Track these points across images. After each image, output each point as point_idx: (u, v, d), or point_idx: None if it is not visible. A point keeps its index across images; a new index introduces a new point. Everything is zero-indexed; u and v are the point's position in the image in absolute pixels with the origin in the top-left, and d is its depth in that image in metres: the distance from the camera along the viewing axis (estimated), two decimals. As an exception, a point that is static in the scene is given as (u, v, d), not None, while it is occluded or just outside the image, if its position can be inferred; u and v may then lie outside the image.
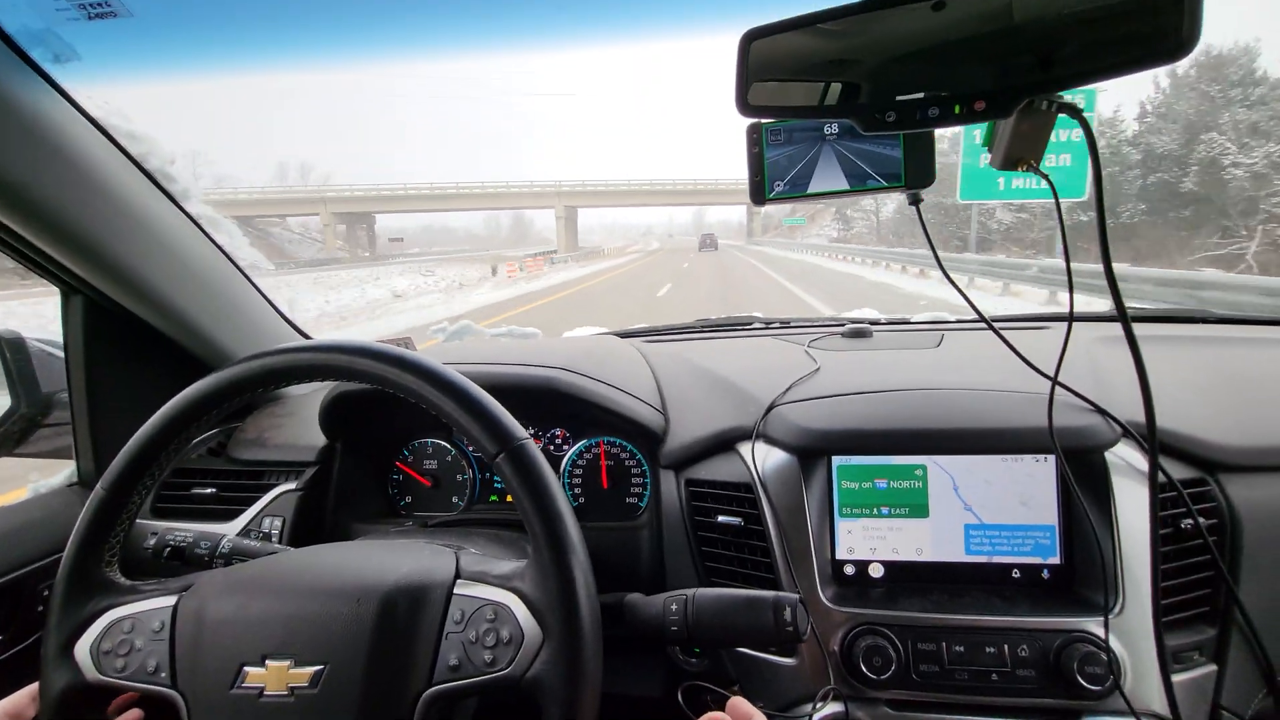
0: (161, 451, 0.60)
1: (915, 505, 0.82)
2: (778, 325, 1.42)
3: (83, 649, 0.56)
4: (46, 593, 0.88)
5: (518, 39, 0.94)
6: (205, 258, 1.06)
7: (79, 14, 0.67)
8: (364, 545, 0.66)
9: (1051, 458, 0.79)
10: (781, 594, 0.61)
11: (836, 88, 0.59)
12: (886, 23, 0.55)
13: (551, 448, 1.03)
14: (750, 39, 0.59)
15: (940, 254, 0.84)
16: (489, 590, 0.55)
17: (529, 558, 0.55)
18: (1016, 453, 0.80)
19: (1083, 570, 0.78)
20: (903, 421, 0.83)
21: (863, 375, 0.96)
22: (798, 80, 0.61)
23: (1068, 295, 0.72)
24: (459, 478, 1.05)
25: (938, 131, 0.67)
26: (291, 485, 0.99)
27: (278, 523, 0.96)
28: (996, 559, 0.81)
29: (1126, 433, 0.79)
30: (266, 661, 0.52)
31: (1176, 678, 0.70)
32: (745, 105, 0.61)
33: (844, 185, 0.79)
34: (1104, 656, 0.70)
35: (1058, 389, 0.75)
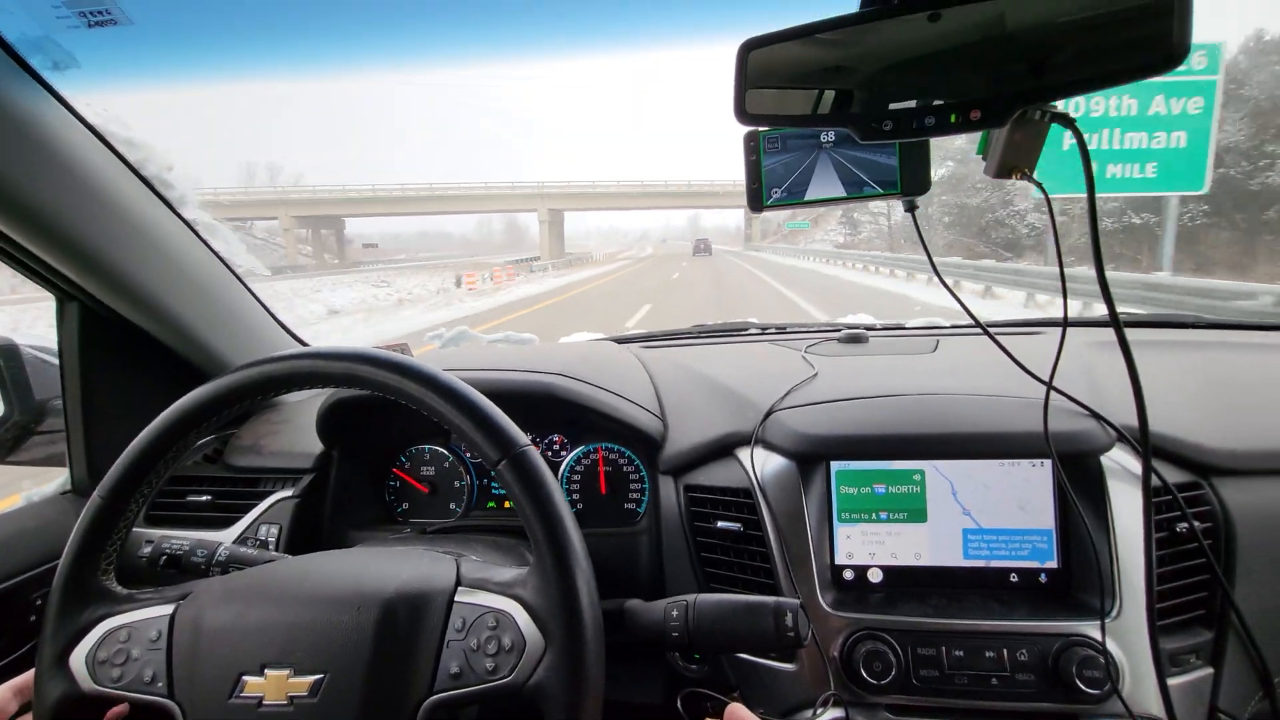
0: (160, 458, 0.59)
1: (913, 510, 0.82)
2: (774, 331, 1.43)
3: (78, 659, 0.55)
4: (40, 602, 0.87)
5: (510, 48, 0.94)
6: (202, 264, 1.05)
7: (79, 21, 0.67)
8: (363, 552, 0.66)
9: (1048, 462, 0.80)
10: (782, 599, 0.61)
11: (833, 96, 0.60)
12: (883, 33, 0.56)
13: (549, 454, 1.03)
14: (749, 48, 0.60)
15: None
16: (490, 597, 0.55)
17: (530, 564, 0.55)
18: (1013, 457, 0.81)
19: (1079, 574, 0.78)
20: (901, 426, 0.84)
21: (860, 380, 0.97)
22: (795, 89, 0.62)
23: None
24: (456, 484, 1.05)
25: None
26: (288, 492, 0.98)
27: (274, 530, 0.95)
28: (994, 563, 0.81)
29: (1121, 437, 0.80)
30: (265, 670, 0.52)
31: (1173, 681, 0.71)
32: (744, 113, 0.62)
33: (840, 192, 0.80)
34: (1102, 660, 0.70)
35: (1053, 394, 0.76)
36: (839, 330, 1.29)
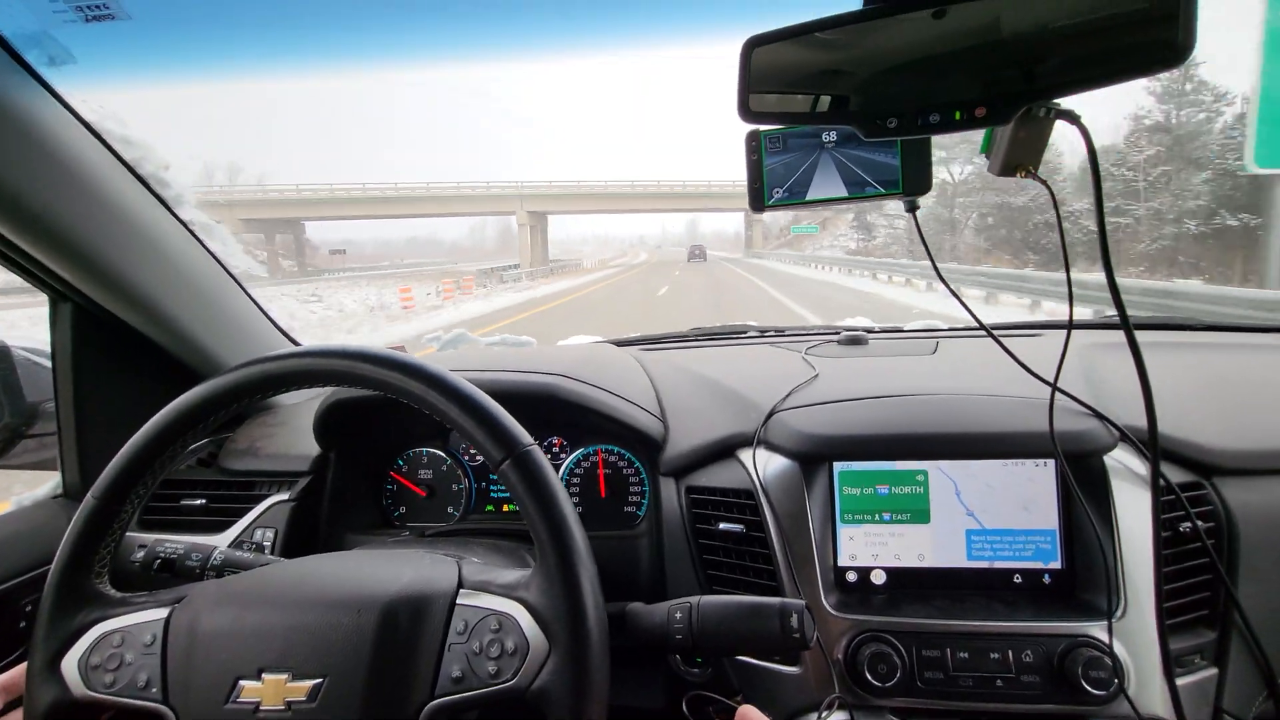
0: (156, 459, 0.58)
1: (917, 511, 0.82)
2: (773, 333, 1.43)
3: (70, 663, 0.54)
4: (30, 608, 0.85)
5: (500, 46, 0.92)
6: (198, 265, 1.04)
7: (76, 16, 0.66)
8: (363, 555, 0.65)
9: (1051, 462, 0.80)
10: (788, 600, 0.61)
11: (837, 95, 0.60)
12: (888, 31, 0.56)
13: (549, 457, 1.02)
14: (752, 46, 0.60)
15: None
16: (493, 600, 0.54)
17: (532, 566, 0.55)
18: (1017, 457, 0.80)
19: (1084, 575, 0.78)
20: (904, 426, 0.83)
21: (862, 381, 0.97)
22: (799, 87, 0.61)
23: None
24: (455, 487, 1.04)
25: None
26: (284, 496, 0.97)
27: (270, 534, 0.94)
28: (998, 564, 0.80)
29: (1125, 437, 0.80)
30: (263, 675, 0.50)
31: (1178, 682, 0.70)
32: (747, 111, 0.62)
33: (842, 192, 0.80)
34: (1108, 661, 0.70)
35: (1057, 394, 0.76)
36: (838, 333, 1.29)
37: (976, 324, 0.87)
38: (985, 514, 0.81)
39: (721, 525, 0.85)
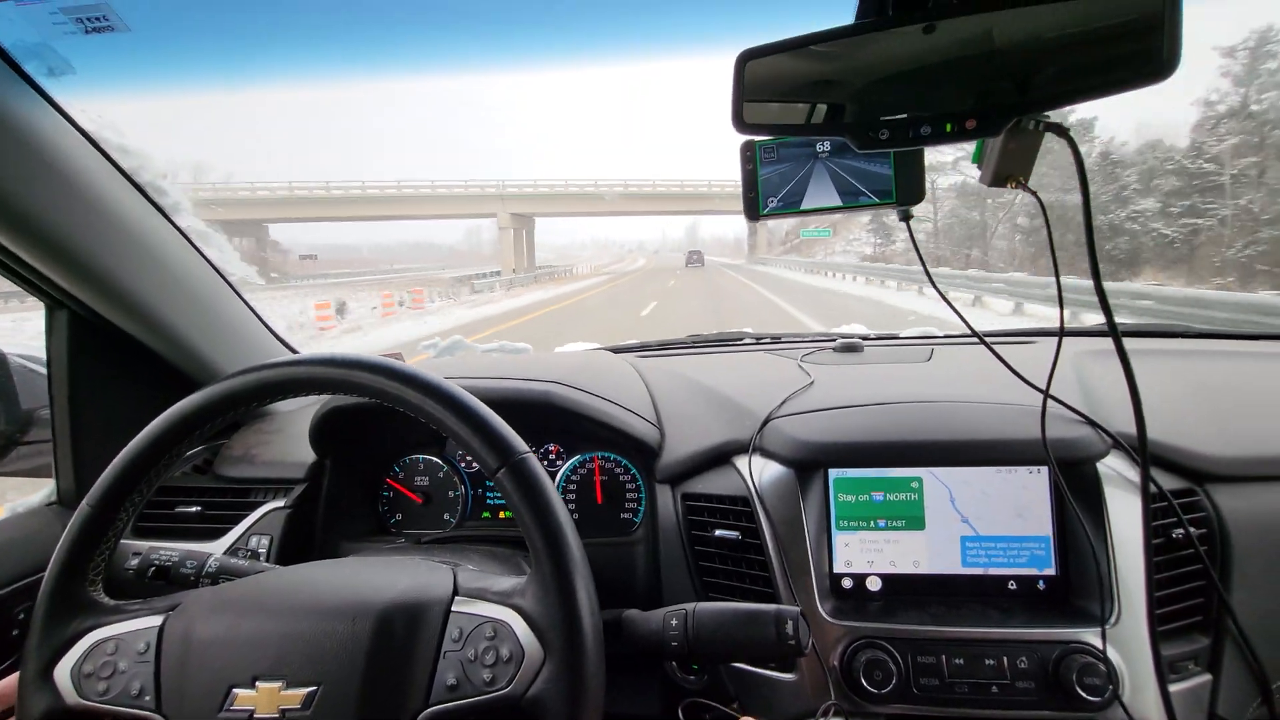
0: (151, 467, 0.58)
1: (912, 517, 0.82)
2: (769, 340, 1.44)
3: (63, 671, 0.54)
4: (23, 616, 0.85)
5: (496, 56, 0.93)
6: (195, 272, 1.04)
7: (75, 28, 0.67)
8: (358, 562, 0.65)
9: (1044, 469, 0.80)
10: (783, 607, 0.61)
11: (830, 106, 0.61)
12: (880, 44, 0.57)
13: (544, 464, 1.02)
14: (746, 59, 0.61)
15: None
16: (488, 607, 0.54)
17: (528, 574, 0.55)
18: (1010, 464, 0.81)
19: (1078, 581, 0.78)
20: (899, 433, 0.84)
21: (857, 388, 0.97)
22: (792, 98, 0.62)
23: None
24: (450, 494, 1.04)
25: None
26: (280, 503, 0.97)
27: (265, 541, 0.94)
28: (993, 571, 0.81)
29: (1117, 444, 0.80)
30: (257, 683, 0.50)
31: (1172, 688, 0.71)
32: (741, 123, 0.62)
33: (836, 201, 0.81)
34: (1102, 667, 0.70)
35: (1049, 401, 0.76)
36: (834, 340, 1.29)
37: (970, 331, 0.88)
38: (980, 520, 0.81)
39: (717, 532, 0.85)
